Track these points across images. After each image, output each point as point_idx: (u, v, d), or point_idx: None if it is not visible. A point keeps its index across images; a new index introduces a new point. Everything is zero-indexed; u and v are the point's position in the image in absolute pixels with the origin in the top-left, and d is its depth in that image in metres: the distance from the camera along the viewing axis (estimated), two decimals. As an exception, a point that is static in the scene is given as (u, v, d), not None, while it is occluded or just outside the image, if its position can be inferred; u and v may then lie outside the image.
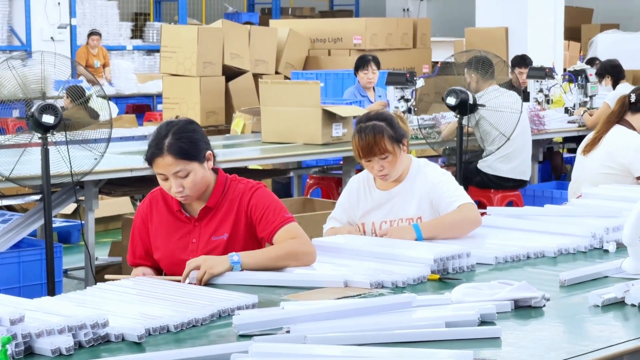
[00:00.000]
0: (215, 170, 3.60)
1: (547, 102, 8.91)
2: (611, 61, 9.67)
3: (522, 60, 9.99)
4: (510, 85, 7.24)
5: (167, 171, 3.46)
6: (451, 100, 6.55)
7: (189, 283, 3.30)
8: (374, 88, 8.94)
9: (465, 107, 6.56)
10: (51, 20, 15.07)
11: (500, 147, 7.12)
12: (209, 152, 3.55)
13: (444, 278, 3.36)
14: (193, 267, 3.32)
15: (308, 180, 8.43)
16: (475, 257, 3.58)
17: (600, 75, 9.45)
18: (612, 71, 9.36)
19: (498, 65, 7.37)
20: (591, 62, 10.85)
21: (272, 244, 3.51)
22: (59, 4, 15.09)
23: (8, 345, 2.35)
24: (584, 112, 8.47)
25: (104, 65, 15.04)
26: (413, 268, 3.37)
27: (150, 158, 3.48)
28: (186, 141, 3.47)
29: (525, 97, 8.65)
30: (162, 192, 3.62)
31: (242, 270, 3.37)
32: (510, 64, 10.01)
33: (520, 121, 7.24)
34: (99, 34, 15.02)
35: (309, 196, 8.02)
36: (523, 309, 2.98)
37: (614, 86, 9.26)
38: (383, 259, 3.53)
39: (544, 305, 3.00)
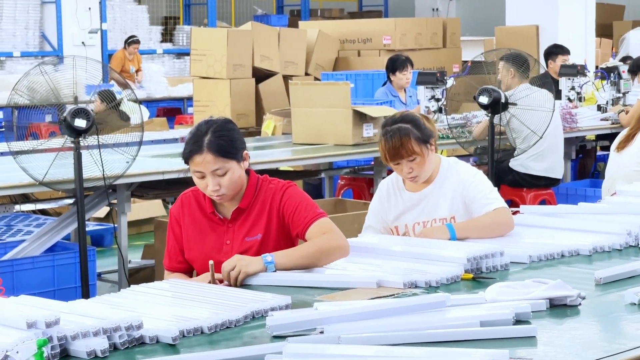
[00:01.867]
0: (247, 171, 3.61)
1: (579, 99, 8.85)
2: None
3: (560, 48, 9.95)
4: (542, 83, 7.20)
5: (205, 169, 3.46)
6: (484, 99, 6.52)
7: (224, 284, 3.30)
8: (404, 88, 8.93)
9: (497, 106, 6.53)
10: (82, 25, 15.17)
11: (532, 145, 7.08)
12: (245, 152, 3.57)
13: (478, 277, 3.34)
14: (229, 269, 3.31)
15: (339, 181, 8.42)
16: (509, 256, 3.56)
17: (633, 72, 9.37)
18: None
19: (530, 62, 7.34)
20: (625, 59, 10.77)
21: (306, 241, 3.51)
22: (89, 9, 15.19)
23: (44, 348, 2.36)
24: (620, 111, 8.40)
25: (137, 71, 15.15)
26: (446, 267, 3.35)
27: (189, 155, 3.48)
28: (226, 139, 3.49)
29: (557, 94, 8.60)
30: (195, 194, 3.63)
31: (275, 270, 3.37)
32: (546, 53, 9.97)
33: (553, 119, 7.21)
34: (138, 42, 15.07)
35: (340, 197, 8.01)
36: (558, 307, 2.95)
37: None
38: (416, 258, 3.52)
39: (580, 304, 2.98)
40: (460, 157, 6.86)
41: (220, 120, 3.57)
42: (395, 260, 3.53)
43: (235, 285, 3.29)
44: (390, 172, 4.15)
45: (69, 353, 2.53)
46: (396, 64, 8.86)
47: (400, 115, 4.08)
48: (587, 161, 9.53)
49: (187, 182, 3.81)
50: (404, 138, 3.96)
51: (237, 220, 3.58)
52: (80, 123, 5.15)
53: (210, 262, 3.38)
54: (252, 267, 3.33)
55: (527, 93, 6.99)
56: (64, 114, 5.17)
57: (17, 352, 2.31)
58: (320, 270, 3.42)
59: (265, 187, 3.59)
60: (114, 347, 2.60)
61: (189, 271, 3.64)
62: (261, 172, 3.77)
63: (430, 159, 4.03)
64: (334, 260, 3.45)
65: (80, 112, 5.16)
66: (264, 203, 3.57)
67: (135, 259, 6.93)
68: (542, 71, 7.52)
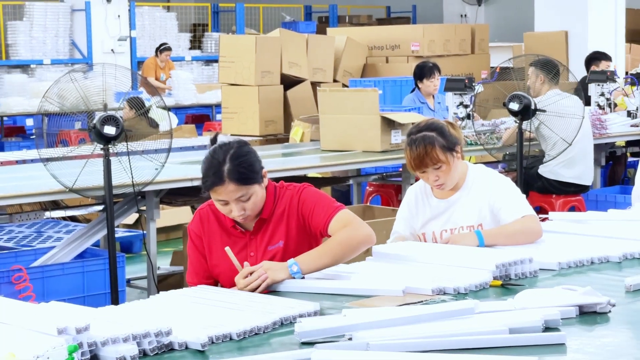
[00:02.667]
0: None
1: (610, 105, 8.79)
2: None
3: (603, 55, 9.91)
4: (573, 90, 7.17)
5: (229, 197, 3.45)
6: (514, 106, 6.50)
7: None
8: (433, 95, 8.92)
9: (526, 112, 6.51)
10: (111, 32, 15.28)
11: (562, 152, 7.05)
12: (264, 170, 3.56)
13: (506, 284, 3.33)
14: (258, 275, 3.32)
15: (367, 187, 8.42)
16: (538, 262, 3.55)
17: None
18: None
19: (560, 69, 7.32)
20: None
21: (329, 237, 3.51)
22: (119, 16, 15.29)
23: (74, 354, 2.38)
24: None
25: (168, 78, 15.21)
26: (475, 274, 3.34)
27: (211, 187, 3.45)
28: (246, 166, 3.45)
29: (586, 101, 8.56)
30: (212, 208, 3.61)
31: (303, 276, 3.37)
32: (587, 59, 9.94)
33: (582, 126, 7.17)
34: (170, 49, 15.11)
35: (368, 204, 8.01)
36: (588, 314, 2.94)
37: None
38: (444, 265, 3.51)
39: (610, 311, 2.96)
40: (488, 163, 6.86)
41: (235, 144, 3.51)
42: (424, 267, 3.52)
43: (259, 291, 3.30)
44: (418, 179, 4.14)
45: (99, 359, 2.54)
46: (423, 71, 8.85)
47: (425, 123, 4.07)
48: (617, 168, 9.47)
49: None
50: (429, 147, 3.95)
51: (259, 231, 3.58)
52: (110, 130, 5.18)
53: (227, 248, 3.42)
54: (279, 275, 3.34)
55: (557, 99, 6.96)
56: (94, 121, 5.21)
57: (48, 357, 2.32)
58: (347, 277, 3.42)
59: (283, 194, 3.60)
60: (143, 354, 2.61)
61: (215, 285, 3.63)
62: (289, 179, 3.77)
63: (457, 166, 4.02)
64: (360, 251, 3.46)
65: (110, 120, 5.19)
66: (283, 210, 3.57)
67: (164, 265, 6.96)
68: (571, 78, 7.49)
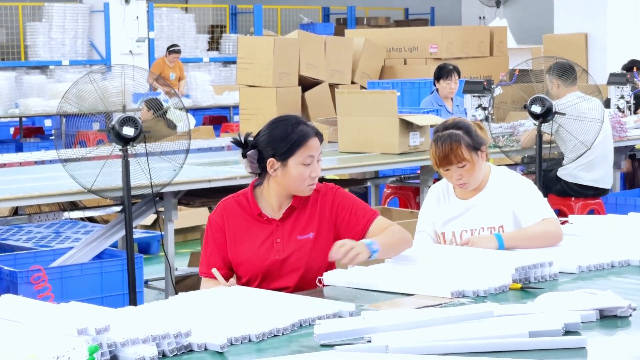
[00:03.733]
0: None
1: (630, 108, 8.74)
2: None
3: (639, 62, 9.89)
4: (594, 93, 7.13)
5: (317, 151, 3.59)
6: (536, 109, 6.47)
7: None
8: (451, 97, 8.90)
9: (545, 115, 6.49)
10: (130, 34, 15.32)
11: (581, 155, 7.02)
12: None
13: (526, 287, 3.31)
14: (347, 249, 3.42)
15: (385, 189, 8.40)
16: (558, 266, 3.54)
17: None
18: None
19: (577, 71, 7.28)
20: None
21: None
22: (137, 18, 15.34)
23: (95, 354, 2.38)
24: None
25: (180, 79, 15.21)
26: (494, 277, 3.32)
27: (304, 140, 3.54)
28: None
29: (606, 103, 8.53)
30: (236, 200, 3.67)
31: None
32: (625, 68, 9.90)
33: (603, 128, 7.13)
34: (179, 52, 15.15)
35: (386, 206, 8.00)
36: (608, 318, 2.92)
37: None
38: (464, 268, 3.49)
39: (631, 315, 2.94)
40: (507, 166, 6.83)
41: (287, 115, 3.71)
42: (443, 269, 3.51)
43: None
44: (436, 180, 4.14)
45: (118, 360, 2.55)
46: (442, 71, 8.84)
47: (452, 121, 4.08)
48: (638, 171, 9.42)
49: (233, 190, 3.82)
50: (454, 144, 3.95)
51: (288, 219, 3.63)
52: (129, 131, 5.19)
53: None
54: (364, 254, 3.43)
55: (577, 102, 6.93)
56: (112, 122, 5.21)
57: (69, 358, 2.32)
58: (366, 277, 3.42)
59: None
60: (162, 355, 2.61)
61: (228, 277, 3.65)
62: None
63: (480, 166, 4.01)
64: (405, 250, 3.61)
65: (129, 121, 5.20)
66: (314, 203, 3.64)
67: (181, 266, 6.96)
68: (590, 81, 7.45)
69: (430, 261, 3.61)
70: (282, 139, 3.56)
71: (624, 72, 9.21)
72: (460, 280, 3.30)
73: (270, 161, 3.57)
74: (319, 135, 3.61)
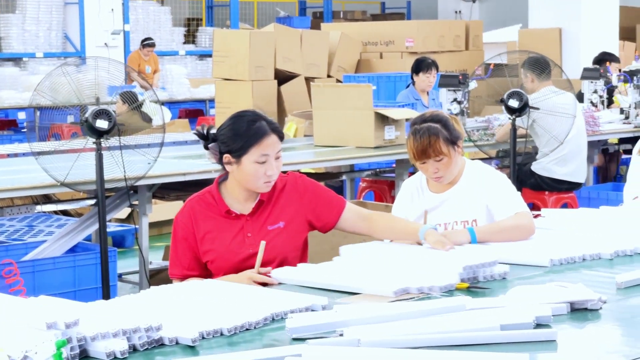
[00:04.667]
0: None
1: (603, 103, 8.79)
2: None
3: (610, 56, 9.94)
4: (566, 88, 7.17)
5: (273, 151, 3.54)
6: (514, 103, 6.49)
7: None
8: (427, 91, 8.92)
9: (523, 110, 6.52)
10: (105, 26, 15.24)
11: (554, 150, 7.05)
12: None
13: (473, 287, 3.23)
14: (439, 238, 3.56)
15: (361, 183, 8.41)
16: (530, 259, 3.55)
17: None
18: None
19: (551, 65, 7.32)
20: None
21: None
22: (112, 10, 15.26)
23: (63, 349, 2.37)
24: None
25: (154, 71, 15.17)
26: (441, 276, 3.23)
27: (258, 139, 3.51)
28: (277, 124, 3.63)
29: (580, 98, 8.57)
30: (202, 198, 3.65)
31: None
32: (596, 61, 9.96)
33: (576, 123, 7.17)
34: (153, 45, 15.12)
35: (361, 199, 8.01)
36: (579, 311, 2.93)
37: None
38: (411, 266, 3.40)
39: (601, 308, 2.96)
40: (482, 159, 6.86)
41: (249, 110, 3.67)
42: (390, 267, 3.41)
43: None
44: (411, 174, 4.14)
45: (88, 354, 2.53)
46: (421, 65, 8.85)
47: (430, 114, 4.08)
48: (610, 165, 9.48)
49: (208, 184, 3.81)
50: (433, 138, 3.95)
51: (257, 212, 3.63)
52: (102, 124, 5.17)
53: (263, 242, 3.48)
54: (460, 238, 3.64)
55: (550, 96, 6.96)
56: (86, 115, 5.19)
57: (36, 352, 2.31)
58: (319, 274, 3.37)
59: (278, 179, 3.65)
60: (133, 349, 2.59)
61: (202, 277, 3.63)
62: (283, 173, 3.79)
63: (457, 160, 4.02)
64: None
65: (102, 113, 5.17)
66: (281, 193, 3.65)
67: (156, 260, 6.95)
68: (564, 75, 7.49)
69: (379, 260, 3.52)
70: (237, 136, 3.54)
71: (597, 66, 9.26)
72: (406, 278, 3.20)
73: (226, 157, 3.57)
74: (278, 133, 3.57)
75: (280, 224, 3.62)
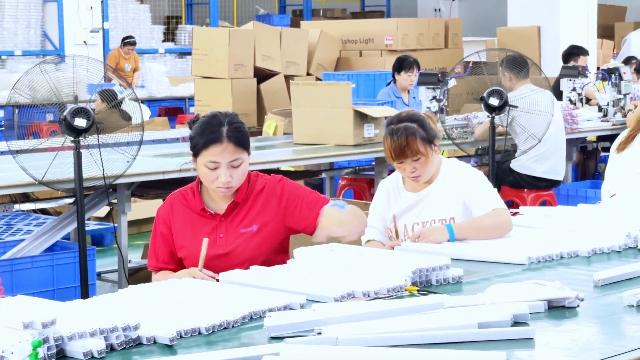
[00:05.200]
0: None
1: (581, 100, 8.83)
2: None
3: (579, 49, 9.98)
4: (545, 85, 7.20)
5: (223, 159, 3.48)
6: (494, 101, 6.51)
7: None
8: (408, 89, 8.93)
9: (502, 108, 6.54)
10: (84, 24, 15.17)
11: (532, 148, 7.08)
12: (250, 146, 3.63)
13: (423, 290, 3.20)
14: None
15: (340, 181, 8.42)
16: (508, 257, 3.57)
17: (639, 72, 9.39)
18: None
19: (529, 63, 7.34)
20: (628, 60, 10.78)
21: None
22: (91, 8, 15.19)
23: (39, 349, 2.36)
24: (628, 110, 8.36)
25: (134, 70, 15.13)
26: (390, 278, 3.19)
27: (207, 144, 3.48)
28: (242, 131, 3.54)
29: (558, 95, 8.60)
30: (183, 194, 3.66)
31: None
32: (565, 55, 10.00)
33: (555, 121, 7.20)
34: (134, 43, 15.07)
35: (341, 197, 8.01)
36: (556, 309, 2.95)
37: None
38: (362, 269, 3.36)
39: (578, 306, 2.97)
40: (461, 157, 6.88)
41: (231, 112, 3.62)
42: (340, 270, 3.36)
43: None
44: (390, 172, 4.15)
45: (66, 354, 2.52)
46: (403, 64, 8.86)
47: (406, 114, 4.08)
48: (589, 162, 9.53)
49: (187, 182, 3.81)
50: (410, 137, 3.96)
51: (231, 214, 3.62)
52: (80, 122, 5.15)
53: (205, 239, 3.46)
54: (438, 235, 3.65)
55: (529, 94, 6.98)
56: (64, 113, 5.17)
57: (12, 352, 2.30)
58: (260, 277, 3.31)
59: (257, 182, 3.64)
60: (110, 348, 2.59)
61: (177, 271, 3.64)
62: (262, 172, 3.79)
63: (433, 159, 4.03)
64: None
65: (80, 112, 5.15)
66: (258, 196, 3.62)
67: (135, 258, 6.93)
68: (542, 74, 7.51)
69: (332, 262, 3.46)
70: (195, 136, 3.54)
71: (575, 64, 9.29)
72: (352, 282, 3.15)
73: (191, 153, 3.59)
74: (236, 141, 3.48)
75: (253, 227, 3.59)
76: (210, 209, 3.63)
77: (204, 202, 3.63)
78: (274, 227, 3.61)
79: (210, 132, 3.50)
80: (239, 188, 3.60)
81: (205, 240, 3.49)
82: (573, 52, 9.99)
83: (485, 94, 6.56)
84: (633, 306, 2.98)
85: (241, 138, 3.51)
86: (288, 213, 3.62)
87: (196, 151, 3.53)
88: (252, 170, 3.69)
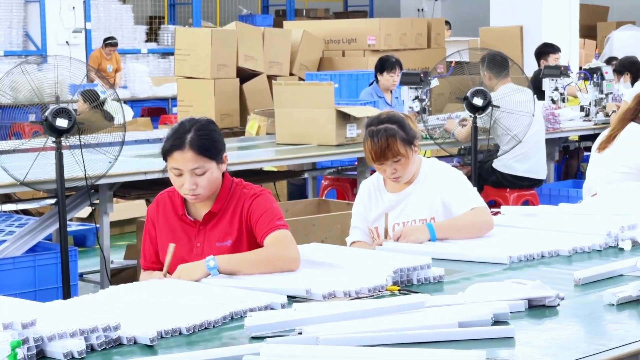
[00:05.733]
0: (222, 173, 3.58)
1: (564, 100, 8.86)
2: (630, 58, 9.64)
3: (551, 47, 10.02)
4: (525, 84, 7.22)
5: (185, 166, 3.44)
6: (478, 101, 6.52)
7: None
8: (391, 90, 8.94)
9: (485, 108, 6.55)
10: (66, 24, 15.13)
11: (513, 147, 7.10)
12: (225, 154, 3.56)
13: (404, 290, 3.22)
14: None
15: (323, 181, 8.42)
16: (489, 256, 3.58)
17: (619, 72, 9.42)
18: (631, 68, 9.33)
19: (509, 63, 7.36)
20: (609, 61, 10.82)
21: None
22: (73, 8, 15.15)
23: (19, 349, 2.35)
24: (612, 111, 8.39)
25: (116, 71, 15.09)
26: (371, 278, 3.19)
27: (169, 150, 3.46)
28: (208, 139, 3.48)
29: (540, 95, 8.62)
30: (170, 195, 3.62)
31: (219, 272, 3.31)
32: (537, 53, 10.04)
33: (536, 120, 7.22)
34: (115, 44, 15.02)
35: (323, 197, 8.01)
36: (537, 308, 2.96)
37: (633, 83, 9.22)
38: (343, 269, 3.37)
39: (558, 305, 2.98)
40: (443, 157, 6.89)
41: (204, 120, 3.56)
42: (322, 270, 3.38)
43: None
44: (373, 172, 4.15)
45: (46, 354, 2.52)
46: (385, 64, 8.86)
47: (386, 115, 4.08)
48: (571, 162, 9.56)
49: (170, 184, 3.79)
50: (391, 139, 3.96)
51: (209, 224, 3.56)
52: (62, 123, 5.13)
53: (171, 245, 3.43)
54: (195, 275, 3.30)
55: (510, 93, 7.00)
56: (45, 114, 5.15)
57: (-8, 353, 2.30)
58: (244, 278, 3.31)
59: (239, 192, 3.56)
60: (91, 349, 2.59)
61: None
62: (245, 172, 3.77)
63: (414, 160, 4.04)
64: (281, 271, 3.35)
65: (62, 112, 5.14)
66: (236, 208, 3.54)
67: (117, 259, 6.92)
68: (521, 73, 7.53)
69: (313, 262, 3.47)
70: (164, 141, 3.52)
71: (558, 64, 9.32)
72: (334, 282, 3.17)
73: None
74: (197, 150, 3.42)
75: (227, 241, 3.51)
76: (190, 215, 3.58)
77: (185, 208, 3.58)
78: (247, 240, 3.52)
79: (175, 138, 3.46)
80: (217, 197, 3.54)
81: (172, 246, 3.45)
82: (544, 51, 10.01)
83: (469, 94, 6.57)
84: (613, 305, 2.99)
85: (204, 146, 3.44)
86: (251, 227, 3.51)
87: (163, 156, 3.51)
88: (238, 178, 3.63)
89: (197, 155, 3.44)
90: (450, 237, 3.87)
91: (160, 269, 3.59)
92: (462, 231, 3.89)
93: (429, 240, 3.85)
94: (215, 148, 3.50)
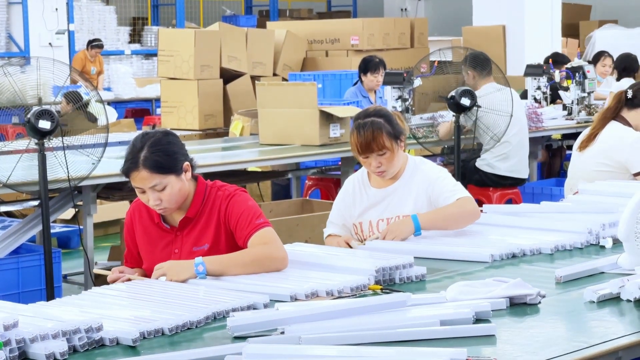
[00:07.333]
0: (195, 177, 3.57)
1: (546, 99, 8.89)
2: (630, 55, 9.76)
3: (564, 57, 10.06)
4: (506, 84, 7.24)
5: (143, 185, 3.43)
6: (466, 101, 6.54)
7: None
8: (375, 90, 8.95)
9: (470, 108, 6.58)
10: (49, 26, 15.09)
11: (494, 147, 7.12)
12: (186, 163, 3.51)
13: (387, 289, 3.23)
14: (160, 274, 3.33)
15: (307, 181, 8.42)
16: (471, 255, 3.59)
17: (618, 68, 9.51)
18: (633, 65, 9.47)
19: (491, 62, 7.38)
20: (598, 56, 10.88)
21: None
22: (56, 9, 15.10)
23: (1, 351, 2.35)
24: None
25: (99, 73, 15.06)
26: (353, 278, 3.21)
27: (127, 172, 3.45)
28: (162, 154, 3.43)
29: (523, 94, 8.65)
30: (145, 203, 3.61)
31: (206, 276, 3.32)
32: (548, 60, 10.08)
33: (518, 119, 7.25)
34: (101, 46, 14.99)
35: (307, 197, 8.02)
36: (518, 306, 2.98)
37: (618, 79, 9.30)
38: (325, 268, 3.38)
39: (540, 302, 3.00)
40: (427, 157, 6.90)
41: (158, 133, 3.51)
42: (304, 270, 3.38)
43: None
44: (356, 171, 4.17)
45: (28, 356, 2.52)
46: (369, 65, 8.88)
47: (373, 109, 4.11)
48: (554, 160, 9.59)
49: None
50: (377, 132, 3.98)
51: (185, 229, 3.55)
52: (45, 124, 5.12)
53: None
54: (183, 275, 3.31)
55: (492, 92, 7.03)
56: (28, 116, 5.15)
57: (-26, 355, 2.30)
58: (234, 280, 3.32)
59: (214, 195, 3.54)
60: (73, 350, 2.59)
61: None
62: (228, 173, 3.76)
63: (399, 156, 4.06)
64: (269, 271, 3.36)
65: (45, 114, 5.13)
66: (212, 212, 3.53)
67: (101, 260, 6.90)
68: (502, 72, 7.56)
69: (295, 262, 3.46)
70: (124, 160, 3.50)
71: (541, 63, 9.35)
72: (316, 280, 3.18)
73: None
74: (151, 168, 3.39)
75: (204, 246, 3.50)
76: (166, 222, 3.57)
77: (161, 215, 3.56)
78: (226, 244, 3.50)
79: (129, 158, 3.44)
80: (192, 202, 3.52)
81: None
82: (558, 61, 10.04)
83: (456, 94, 6.59)
84: (594, 302, 3.01)
85: (157, 163, 3.41)
86: (231, 230, 3.50)
87: (124, 176, 3.49)
88: (213, 181, 3.62)
89: (152, 174, 3.41)
90: (435, 228, 3.89)
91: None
92: (447, 220, 3.90)
93: (414, 232, 3.86)
94: (171, 161, 3.45)
